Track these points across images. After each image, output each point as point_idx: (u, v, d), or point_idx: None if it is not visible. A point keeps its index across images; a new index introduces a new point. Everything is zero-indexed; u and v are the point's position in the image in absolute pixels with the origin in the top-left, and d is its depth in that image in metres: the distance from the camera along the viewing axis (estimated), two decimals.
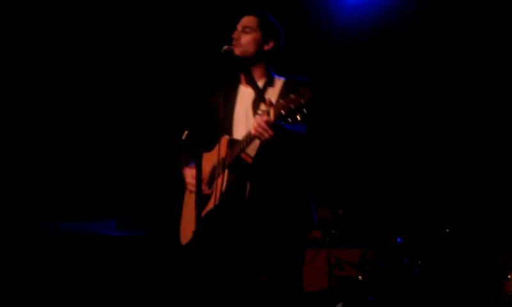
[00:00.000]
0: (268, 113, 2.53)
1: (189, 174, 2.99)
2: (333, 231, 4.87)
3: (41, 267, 4.25)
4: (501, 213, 5.10)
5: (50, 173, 5.08)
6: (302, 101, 2.40)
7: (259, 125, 2.55)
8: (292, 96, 2.44)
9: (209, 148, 2.97)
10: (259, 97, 2.88)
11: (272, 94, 2.89)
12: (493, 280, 4.56)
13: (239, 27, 2.97)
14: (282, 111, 2.46)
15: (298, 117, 2.45)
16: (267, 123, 2.53)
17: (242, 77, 3.02)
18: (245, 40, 2.92)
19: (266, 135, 2.56)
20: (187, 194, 3.14)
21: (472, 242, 4.92)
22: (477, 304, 4.61)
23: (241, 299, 2.87)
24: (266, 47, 2.98)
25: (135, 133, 5.32)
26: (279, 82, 2.96)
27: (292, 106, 2.43)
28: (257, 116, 2.59)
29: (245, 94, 2.98)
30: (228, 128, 2.92)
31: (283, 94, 2.84)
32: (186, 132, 2.82)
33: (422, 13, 5.38)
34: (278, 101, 2.51)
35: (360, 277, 4.76)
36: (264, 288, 2.84)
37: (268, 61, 3.02)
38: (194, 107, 3.23)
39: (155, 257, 4.56)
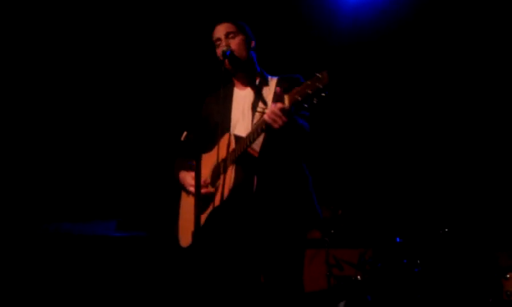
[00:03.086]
0: (282, 101, 2.53)
1: (189, 176, 2.98)
2: (332, 231, 4.88)
3: (42, 269, 4.25)
4: (500, 212, 5.10)
5: (50, 174, 5.09)
6: (320, 85, 2.39)
7: (274, 112, 2.54)
8: (309, 82, 2.43)
9: (207, 150, 2.97)
10: (257, 98, 2.89)
11: (269, 93, 2.90)
12: (492, 279, 4.56)
13: (221, 35, 2.94)
14: (298, 97, 2.45)
15: (315, 101, 2.43)
16: (282, 109, 2.53)
17: (236, 81, 3.04)
18: (235, 44, 2.91)
19: (280, 122, 2.54)
20: (184, 196, 3.14)
21: (471, 241, 4.92)
22: (476, 303, 4.61)
23: (242, 298, 2.87)
24: (250, 46, 2.99)
25: (134, 135, 5.32)
26: (272, 81, 2.97)
27: (308, 91, 2.41)
28: (272, 104, 2.59)
29: (240, 97, 3.00)
30: (226, 130, 2.92)
31: (276, 93, 2.84)
32: (185, 133, 2.83)
33: (422, 14, 5.38)
34: (293, 88, 2.49)
35: (359, 277, 4.77)
36: (265, 287, 2.84)
37: (257, 60, 3.03)
38: (192, 108, 3.23)
39: (154, 258, 4.56)
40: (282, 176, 2.82)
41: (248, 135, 2.71)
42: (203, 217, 2.83)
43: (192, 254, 2.88)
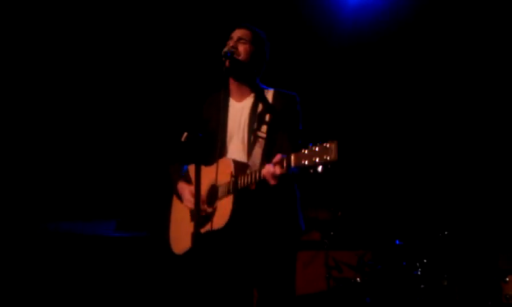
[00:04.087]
0: (288, 160, 2.56)
1: (187, 190, 3.00)
2: (331, 233, 4.87)
3: (41, 268, 4.26)
4: (500, 215, 5.10)
5: (50, 174, 5.09)
6: (328, 158, 2.41)
7: (272, 175, 2.62)
8: (317, 149, 2.45)
9: (205, 159, 2.98)
10: (254, 113, 2.94)
11: (264, 107, 2.94)
12: (492, 282, 4.56)
13: (234, 37, 3.00)
14: (304, 164, 2.48)
15: (319, 170, 2.46)
16: (280, 175, 2.60)
17: (233, 90, 3.05)
18: (242, 49, 2.95)
19: (275, 182, 2.63)
20: (175, 203, 3.16)
21: (471, 244, 4.92)
22: (475, 306, 4.61)
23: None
24: (258, 61, 3.02)
25: (134, 135, 5.32)
26: (269, 94, 3.00)
27: (316, 161, 2.44)
28: (271, 166, 2.63)
29: (236, 109, 3.02)
30: (222, 143, 2.96)
31: (275, 107, 2.91)
32: (185, 134, 2.83)
33: (423, 15, 5.38)
34: (300, 151, 2.51)
35: (358, 279, 4.76)
36: (258, 298, 2.90)
37: (257, 74, 3.06)
38: (193, 108, 3.23)
39: (154, 258, 4.56)
40: (275, 201, 2.89)
41: (248, 176, 2.75)
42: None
43: (186, 261, 2.92)
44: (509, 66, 5.24)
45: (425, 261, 4.69)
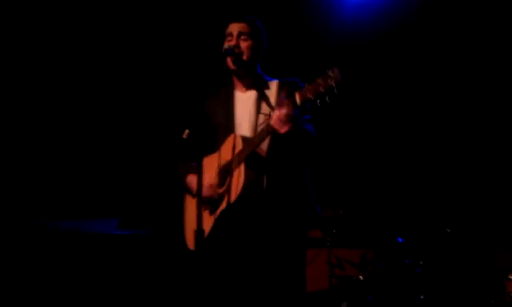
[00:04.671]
0: (293, 100, 2.56)
1: (197, 180, 2.98)
2: (334, 231, 4.87)
3: (42, 267, 4.25)
4: (502, 213, 5.09)
5: (52, 172, 5.09)
6: (332, 83, 2.43)
7: (279, 118, 2.60)
8: (320, 79, 2.47)
9: (209, 152, 2.98)
10: (260, 100, 2.93)
11: (270, 96, 2.94)
12: (495, 280, 4.55)
13: (234, 32, 2.98)
14: (310, 95, 2.49)
15: (327, 99, 2.47)
16: (287, 115, 2.57)
17: (237, 83, 3.06)
18: (244, 46, 2.95)
19: (285, 127, 2.61)
20: (188, 199, 3.15)
21: (474, 242, 4.91)
22: (478, 304, 4.60)
23: (245, 298, 2.90)
24: (259, 53, 3.03)
25: (135, 132, 5.32)
26: (273, 84, 3.01)
27: (321, 89, 2.45)
28: (277, 108, 2.62)
29: (243, 99, 3.02)
30: (230, 132, 2.94)
31: (280, 92, 2.90)
32: (187, 131, 2.83)
33: (424, 14, 5.38)
34: (304, 86, 2.53)
35: (360, 277, 4.76)
36: (267, 287, 2.87)
37: (259, 65, 3.07)
38: (194, 105, 3.23)
39: (156, 256, 4.56)
40: (289, 175, 2.88)
41: (256, 137, 2.76)
42: (213, 219, 2.87)
43: (200, 255, 2.90)
44: (509, 65, 5.23)
45: (427, 259, 4.69)
